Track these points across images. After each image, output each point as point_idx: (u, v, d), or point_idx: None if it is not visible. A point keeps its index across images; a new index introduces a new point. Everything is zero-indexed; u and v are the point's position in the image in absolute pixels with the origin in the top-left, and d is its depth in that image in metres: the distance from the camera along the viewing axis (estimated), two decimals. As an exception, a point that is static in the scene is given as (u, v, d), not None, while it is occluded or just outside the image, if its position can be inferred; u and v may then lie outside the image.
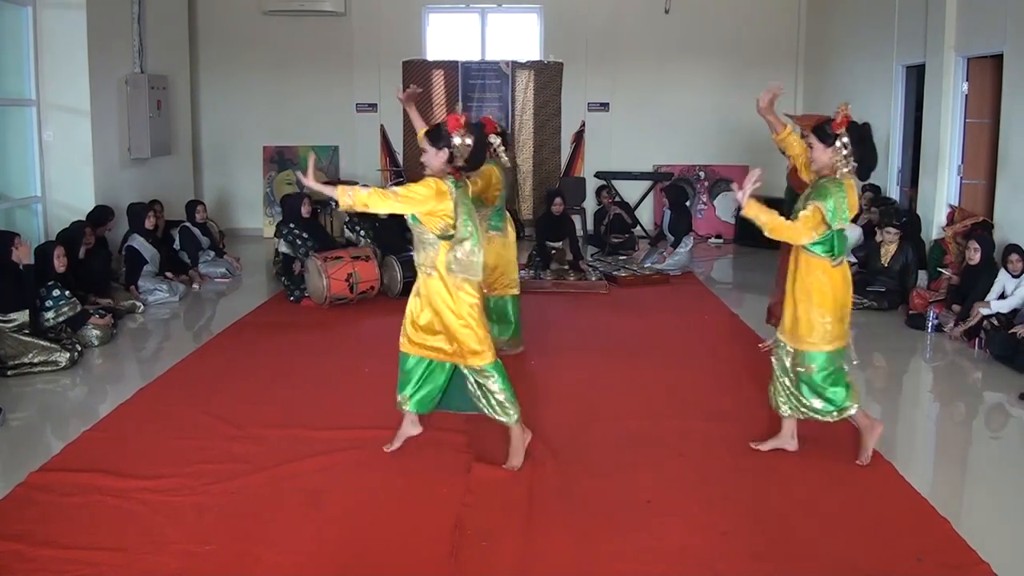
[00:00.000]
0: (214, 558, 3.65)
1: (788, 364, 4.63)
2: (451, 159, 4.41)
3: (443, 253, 4.38)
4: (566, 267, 9.69)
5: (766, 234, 4.37)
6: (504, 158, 6.38)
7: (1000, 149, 7.94)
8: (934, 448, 5.36)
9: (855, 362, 4.78)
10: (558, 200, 9.92)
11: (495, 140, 6.29)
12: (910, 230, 8.56)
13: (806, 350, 4.52)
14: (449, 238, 4.36)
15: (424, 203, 4.26)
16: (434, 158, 4.42)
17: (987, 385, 6.29)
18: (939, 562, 3.65)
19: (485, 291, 6.33)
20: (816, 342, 4.48)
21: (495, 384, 4.48)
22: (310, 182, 4.24)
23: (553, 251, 9.88)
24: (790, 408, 4.69)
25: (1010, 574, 3.57)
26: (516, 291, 6.66)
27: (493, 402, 4.50)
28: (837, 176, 4.32)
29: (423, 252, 4.44)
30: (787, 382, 4.67)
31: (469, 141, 4.40)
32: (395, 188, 4.31)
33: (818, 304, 4.44)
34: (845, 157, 4.30)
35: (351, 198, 4.17)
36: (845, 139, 4.28)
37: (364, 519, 4.03)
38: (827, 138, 4.32)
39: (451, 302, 4.40)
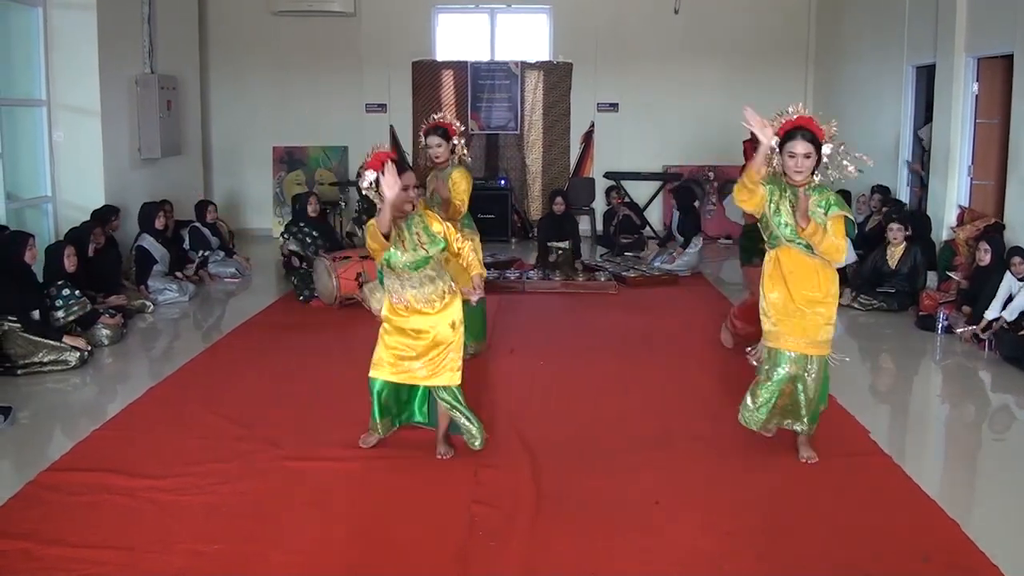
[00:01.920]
0: (221, 558, 3.66)
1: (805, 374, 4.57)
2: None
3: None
4: (576, 267, 9.65)
5: (823, 254, 4.33)
6: (463, 155, 6.31)
7: (1010, 149, 7.90)
8: (943, 450, 5.34)
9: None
10: (558, 199, 9.95)
11: (458, 141, 6.25)
12: (919, 231, 8.52)
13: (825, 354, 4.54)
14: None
15: (372, 240, 4.32)
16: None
17: (997, 387, 6.26)
18: (947, 564, 3.63)
19: None
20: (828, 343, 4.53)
21: None
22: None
23: (559, 251, 9.83)
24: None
25: (1019, 577, 3.55)
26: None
27: None
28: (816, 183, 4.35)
29: None
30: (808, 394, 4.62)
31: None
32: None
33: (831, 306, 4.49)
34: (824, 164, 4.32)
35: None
36: (826, 148, 4.29)
37: (372, 520, 4.04)
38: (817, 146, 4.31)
39: None
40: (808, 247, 4.37)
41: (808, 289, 4.43)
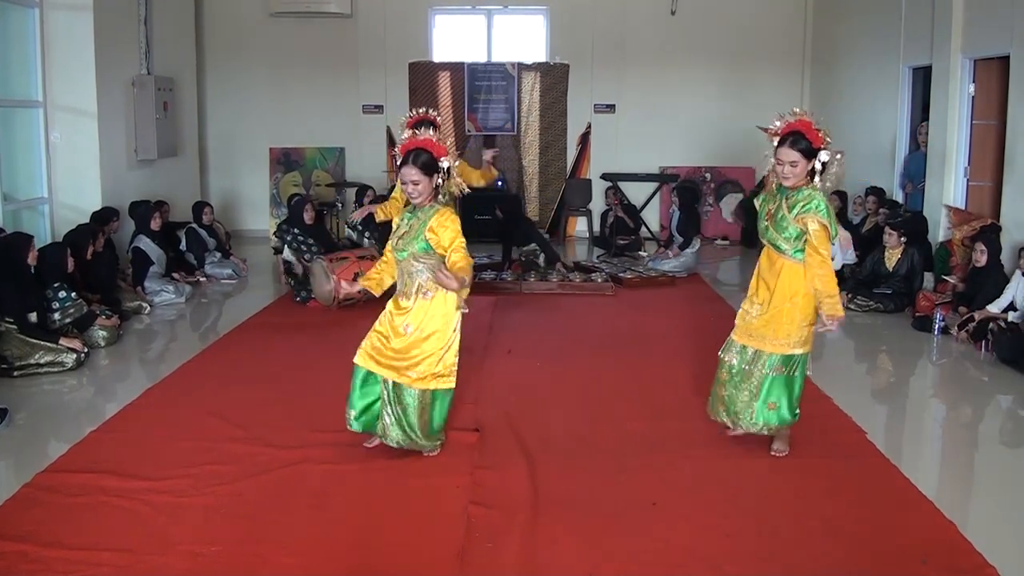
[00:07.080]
0: (220, 559, 3.65)
1: (746, 368, 4.64)
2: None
3: None
4: (547, 269, 9.69)
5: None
6: None
7: (1007, 151, 7.91)
8: (940, 451, 5.35)
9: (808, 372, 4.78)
10: (497, 207, 10.12)
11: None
12: (915, 233, 8.51)
13: (784, 352, 4.54)
14: None
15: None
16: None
17: (993, 387, 6.27)
18: (945, 565, 3.63)
19: None
20: (795, 345, 4.52)
21: None
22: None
23: (523, 257, 9.88)
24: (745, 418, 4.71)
25: (1016, 578, 3.55)
26: None
27: None
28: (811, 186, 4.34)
29: None
30: (745, 392, 4.67)
31: None
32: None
33: (802, 308, 4.47)
34: (823, 170, 4.28)
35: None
36: (824, 155, 4.26)
37: (370, 520, 4.03)
38: (809, 152, 4.27)
39: None
40: (776, 247, 4.46)
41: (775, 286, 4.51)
